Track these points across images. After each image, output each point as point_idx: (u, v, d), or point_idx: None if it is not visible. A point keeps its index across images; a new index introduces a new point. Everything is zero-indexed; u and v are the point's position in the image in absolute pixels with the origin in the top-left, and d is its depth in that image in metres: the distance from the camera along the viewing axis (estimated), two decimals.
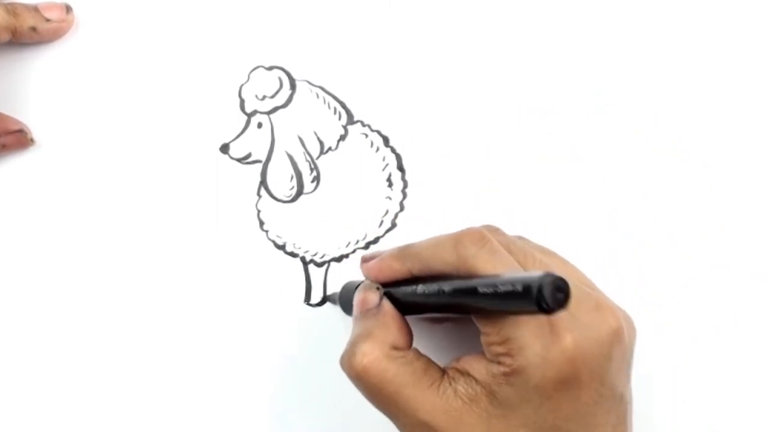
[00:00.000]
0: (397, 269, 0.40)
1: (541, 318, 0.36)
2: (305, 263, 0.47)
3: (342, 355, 0.39)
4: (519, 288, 0.32)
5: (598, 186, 0.48)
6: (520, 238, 0.42)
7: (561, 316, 0.36)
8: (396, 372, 0.37)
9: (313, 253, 0.47)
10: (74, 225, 0.47)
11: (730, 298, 0.47)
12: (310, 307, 0.47)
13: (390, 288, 0.40)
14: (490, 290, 0.34)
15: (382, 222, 0.48)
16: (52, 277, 0.47)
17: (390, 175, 0.48)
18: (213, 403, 0.47)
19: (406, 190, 0.48)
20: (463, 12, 0.49)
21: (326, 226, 0.48)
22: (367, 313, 0.40)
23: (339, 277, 0.47)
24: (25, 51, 0.48)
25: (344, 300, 0.44)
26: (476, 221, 0.46)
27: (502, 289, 0.33)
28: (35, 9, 0.46)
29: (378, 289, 0.40)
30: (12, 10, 0.45)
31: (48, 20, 0.46)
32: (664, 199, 0.48)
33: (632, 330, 0.39)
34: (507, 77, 0.48)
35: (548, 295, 0.31)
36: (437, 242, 0.39)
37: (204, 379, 0.47)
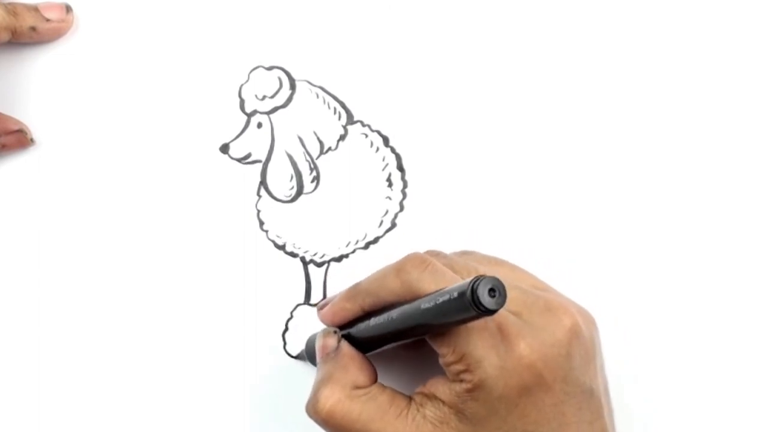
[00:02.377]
0: (350, 308, 0.41)
1: (492, 328, 0.36)
2: (305, 263, 0.47)
3: (306, 403, 0.40)
4: (455, 294, 0.33)
5: (598, 186, 0.48)
6: (465, 253, 0.42)
7: (511, 322, 0.37)
8: (361, 410, 0.38)
9: (313, 253, 0.47)
10: (74, 225, 0.47)
11: (726, 297, 0.47)
12: (310, 308, 0.47)
13: (348, 329, 0.41)
14: (431, 304, 0.35)
15: (382, 222, 0.48)
16: (52, 277, 0.47)
17: (390, 175, 0.48)
18: (213, 403, 0.47)
19: (406, 190, 0.48)
20: (463, 12, 0.49)
21: (326, 226, 0.48)
22: (326, 357, 0.41)
23: (339, 277, 0.47)
24: (25, 51, 0.48)
25: (310, 352, 0.45)
26: (476, 221, 0.46)
27: (440, 300, 0.34)
28: (35, 9, 0.46)
29: (335, 332, 0.41)
30: (12, 10, 0.45)
31: (48, 20, 0.46)
32: (664, 199, 0.48)
33: (591, 323, 0.39)
34: (507, 77, 0.48)
35: (482, 295, 0.32)
36: (382, 274, 0.40)
37: (204, 379, 0.47)
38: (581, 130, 0.48)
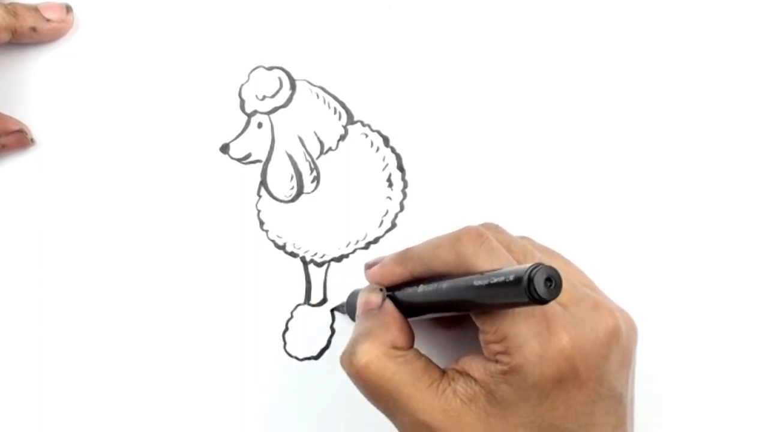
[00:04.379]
0: (399, 272, 0.40)
1: (538, 316, 0.36)
2: (305, 263, 0.47)
3: (342, 354, 0.39)
4: (510, 278, 0.33)
5: (598, 186, 0.48)
6: (523, 237, 0.42)
7: (558, 314, 0.36)
8: (395, 371, 0.38)
9: (313, 253, 0.47)
10: (74, 225, 0.47)
11: (734, 298, 0.47)
12: (310, 308, 0.47)
13: (393, 291, 0.41)
14: (484, 283, 0.34)
15: (382, 222, 0.48)
16: (52, 276, 0.47)
17: (390, 175, 0.48)
18: (213, 403, 0.47)
19: (406, 190, 0.48)
20: (463, 12, 0.49)
21: (326, 226, 0.48)
22: (369, 313, 0.40)
23: (339, 277, 0.47)
24: (25, 51, 0.48)
25: (351, 307, 0.44)
26: (476, 221, 0.46)
27: (494, 280, 0.34)
28: (35, 9, 0.46)
29: (381, 290, 0.41)
30: (12, 10, 0.45)
31: (48, 20, 0.46)
32: (665, 199, 0.48)
33: (632, 331, 0.39)
34: (507, 77, 0.48)
35: (538, 285, 0.32)
36: (437, 243, 0.39)
37: (204, 379, 0.47)
38: (582, 130, 0.48)
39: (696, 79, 0.48)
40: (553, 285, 0.32)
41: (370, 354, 0.38)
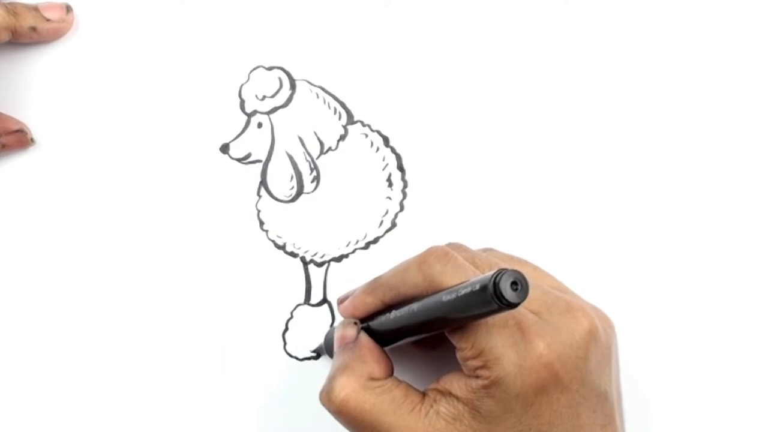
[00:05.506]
0: (370, 302, 0.41)
1: (512, 326, 0.36)
2: (305, 263, 0.47)
3: (321, 391, 0.39)
4: (477, 287, 0.33)
5: (597, 187, 0.48)
6: (486, 250, 0.42)
7: (531, 321, 0.37)
8: (374, 402, 0.38)
9: (313, 253, 0.47)
10: (74, 225, 0.47)
11: (726, 297, 0.47)
12: (310, 308, 0.47)
13: (367, 322, 0.41)
14: (452, 297, 0.35)
15: (382, 222, 0.48)
16: (52, 276, 0.47)
17: (390, 175, 0.48)
18: (213, 403, 0.47)
19: (406, 190, 0.48)
20: (463, 12, 0.49)
21: (326, 226, 0.48)
22: (344, 347, 0.41)
23: (339, 278, 0.47)
24: (25, 51, 0.48)
25: (329, 345, 0.45)
26: (476, 221, 0.46)
27: (462, 292, 0.34)
28: (35, 9, 0.46)
29: (355, 323, 0.41)
30: (12, 10, 0.45)
31: (48, 20, 0.46)
32: (666, 203, 0.48)
33: (609, 328, 0.39)
34: (507, 77, 0.48)
35: (505, 289, 0.32)
36: (404, 267, 0.39)
37: (204, 379, 0.47)
38: (582, 130, 0.48)
39: (690, 82, 0.48)
40: (520, 287, 0.32)
41: (347, 388, 0.38)
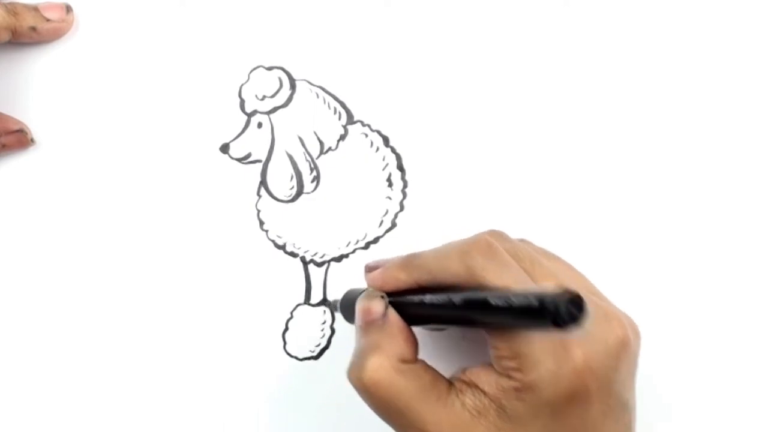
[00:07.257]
0: (403, 279, 0.39)
1: (553, 333, 0.35)
2: (305, 263, 0.47)
3: (349, 368, 0.38)
4: (534, 303, 0.31)
5: (598, 186, 0.48)
6: (523, 241, 0.41)
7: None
8: (405, 386, 0.37)
9: (313, 253, 0.47)
10: (74, 225, 0.47)
11: (732, 300, 0.47)
12: (310, 308, 0.47)
13: (394, 297, 0.39)
14: (502, 304, 0.33)
15: (382, 222, 0.48)
16: (52, 276, 0.47)
17: (390, 175, 0.48)
18: (213, 403, 0.47)
19: (406, 190, 0.48)
20: (463, 12, 0.49)
21: (326, 226, 0.48)
22: (372, 323, 0.39)
23: (339, 277, 0.47)
24: (25, 51, 0.48)
25: (345, 307, 0.43)
26: (476, 221, 0.46)
27: (516, 303, 0.32)
28: (35, 9, 0.46)
29: (383, 298, 0.39)
30: (12, 10, 0.45)
31: (48, 20, 0.47)
32: (664, 200, 0.48)
33: (637, 337, 0.38)
34: (507, 77, 0.48)
35: (564, 312, 0.30)
36: (445, 253, 0.38)
37: (204, 379, 0.47)
38: (582, 129, 0.48)
39: (693, 81, 0.48)
40: (579, 311, 0.30)
41: (381, 370, 0.37)
